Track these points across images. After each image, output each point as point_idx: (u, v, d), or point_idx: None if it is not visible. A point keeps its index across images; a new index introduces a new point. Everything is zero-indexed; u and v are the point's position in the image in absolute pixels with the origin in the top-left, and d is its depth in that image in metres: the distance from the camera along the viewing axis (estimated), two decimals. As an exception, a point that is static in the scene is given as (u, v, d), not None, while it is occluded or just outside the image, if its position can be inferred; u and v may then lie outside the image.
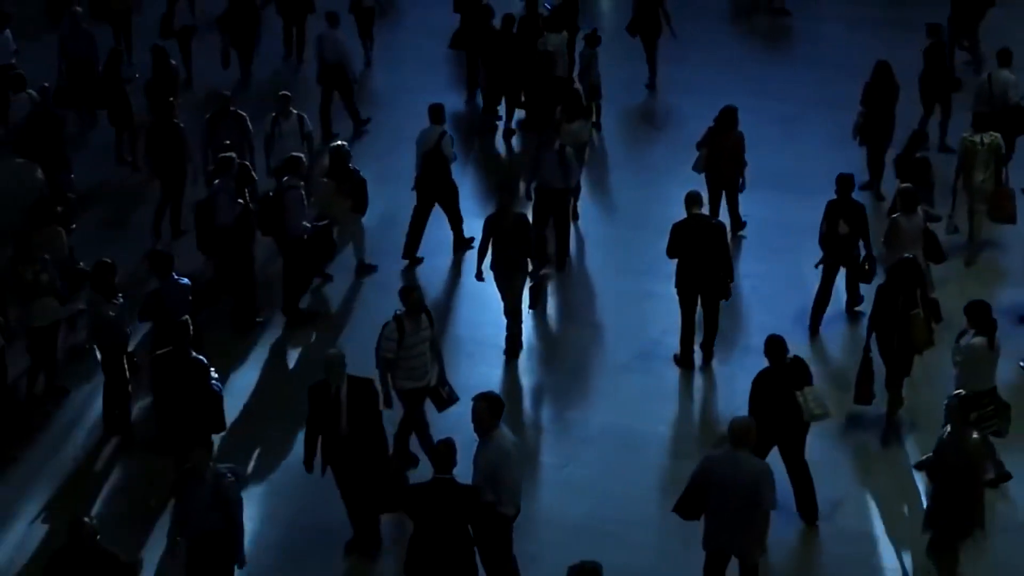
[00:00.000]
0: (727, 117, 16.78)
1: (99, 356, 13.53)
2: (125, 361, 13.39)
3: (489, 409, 10.52)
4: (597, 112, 21.04)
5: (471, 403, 10.60)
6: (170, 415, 12.18)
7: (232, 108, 17.48)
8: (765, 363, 11.87)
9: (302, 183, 15.44)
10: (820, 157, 19.32)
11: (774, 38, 24.92)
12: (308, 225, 15.31)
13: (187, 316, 12.80)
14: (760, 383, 11.85)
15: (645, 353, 14.80)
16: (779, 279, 16.35)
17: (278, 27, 23.68)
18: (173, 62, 20.14)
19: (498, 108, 21.11)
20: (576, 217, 17.56)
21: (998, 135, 16.39)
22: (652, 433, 13.42)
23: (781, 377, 11.77)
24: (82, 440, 13.59)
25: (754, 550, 10.51)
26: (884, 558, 11.73)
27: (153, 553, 11.87)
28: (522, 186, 17.65)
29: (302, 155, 15.94)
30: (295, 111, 17.45)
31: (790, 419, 11.74)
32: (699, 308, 14.39)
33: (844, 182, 14.84)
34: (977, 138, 16.25)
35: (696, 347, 14.58)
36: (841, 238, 14.66)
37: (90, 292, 13.45)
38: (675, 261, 14.36)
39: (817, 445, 12.64)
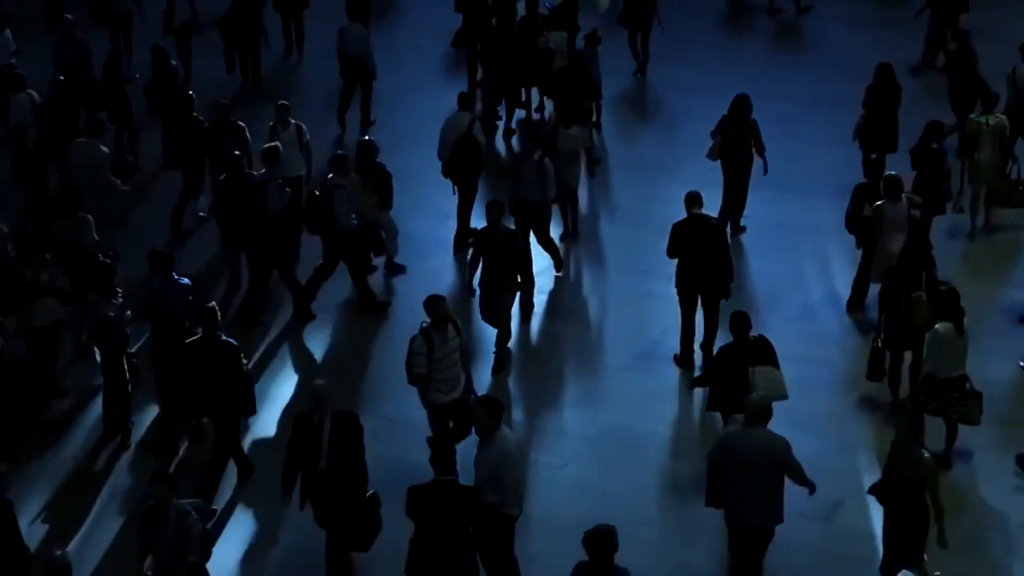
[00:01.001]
0: (741, 105, 16.88)
1: (98, 357, 13.51)
2: (125, 361, 13.39)
3: (488, 414, 10.54)
4: (597, 112, 21.03)
5: (472, 408, 10.67)
6: (201, 400, 12.32)
7: (231, 119, 17.09)
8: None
9: (346, 180, 15.53)
10: (820, 157, 19.32)
11: (774, 38, 24.90)
12: (356, 221, 15.44)
13: (190, 315, 12.93)
14: (721, 357, 12.24)
15: (645, 353, 14.80)
16: (779, 279, 16.35)
17: (276, 24, 23.69)
18: (173, 62, 20.14)
19: (498, 108, 21.12)
20: (593, 174, 17.69)
21: (1004, 117, 16.92)
22: (652, 433, 13.41)
23: (741, 353, 12.04)
24: (82, 440, 13.59)
25: (771, 521, 10.71)
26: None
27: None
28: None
29: (344, 154, 15.98)
30: (294, 120, 17.08)
31: (743, 394, 11.76)
32: (699, 308, 14.40)
33: (874, 166, 15.48)
34: (983, 119, 16.80)
35: (696, 347, 14.59)
36: (865, 220, 14.89)
37: (89, 293, 13.44)
38: (675, 261, 14.37)
39: (817, 445, 12.65)
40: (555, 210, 16.76)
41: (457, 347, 12.21)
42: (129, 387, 13.45)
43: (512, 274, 14.39)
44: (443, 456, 10.28)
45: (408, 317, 15.54)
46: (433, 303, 12.13)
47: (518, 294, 14.92)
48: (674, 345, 14.61)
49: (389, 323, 15.67)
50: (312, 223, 15.61)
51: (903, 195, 14.68)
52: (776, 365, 12.14)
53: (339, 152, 15.96)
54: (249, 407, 12.54)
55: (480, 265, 14.40)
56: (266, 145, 15.90)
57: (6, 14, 21.11)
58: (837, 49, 23.99)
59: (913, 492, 10.53)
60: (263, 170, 15.60)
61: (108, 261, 13.64)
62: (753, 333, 12.17)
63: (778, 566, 11.49)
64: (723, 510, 10.82)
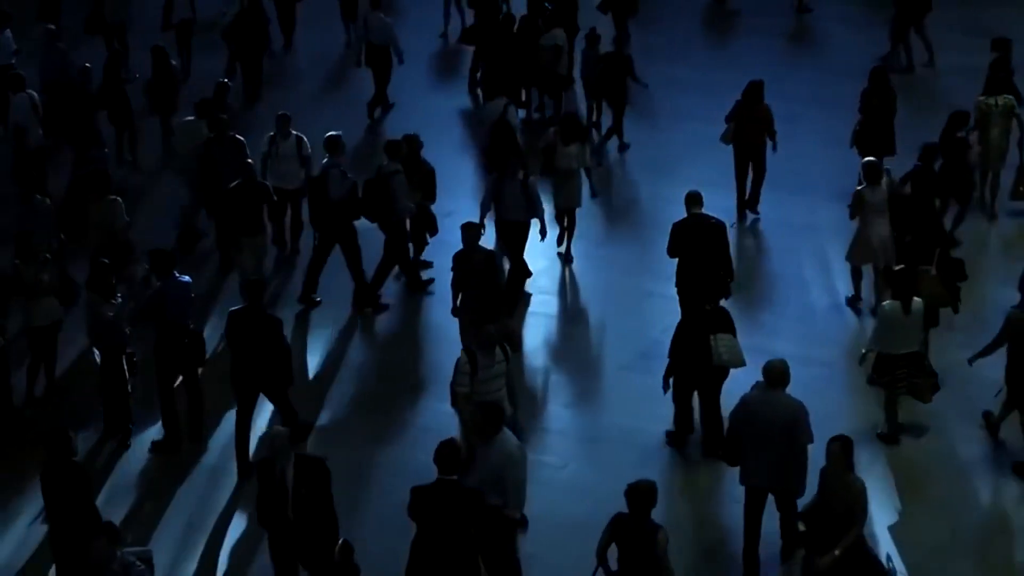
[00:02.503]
0: (754, 91, 17.36)
1: (97, 357, 13.50)
2: (124, 361, 13.37)
3: (487, 419, 10.55)
4: (598, 112, 21.05)
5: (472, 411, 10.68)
6: (242, 370, 12.60)
7: (231, 133, 16.67)
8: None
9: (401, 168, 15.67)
10: (820, 157, 19.32)
11: (774, 38, 24.89)
12: (412, 207, 15.55)
13: (191, 314, 13.19)
14: (681, 327, 12.65)
15: (645, 353, 14.78)
16: (779, 279, 16.34)
17: (272, 16, 23.79)
18: (174, 63, 20.13)
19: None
20: (595, 194, 17.27)
21: (1011, 97, 17.51)
22: (652, 433, 13.40)
23: (699, 322, 12.49)
24: (82, 440, 13.56)
25: (794, 486, 10.95)
26: (883, 558, 11.71)
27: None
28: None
29: (400, 139, 16.05)
30: (294, 132, 16.74)
31: (704, 362, 12.45)
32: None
33: (928, 152, 15.66)
34: (992, 100, 17.42)
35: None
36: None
37: (88, 292, 13.45)
38: (675, 260, 14.37)
39: (817, 445, 12.62)
40: (550, 228, 16.57)
41: (503, 372, 11.82)
42: (129, 387, 13.44)
43: (493, 296, 13.90)
44: (447, 456, 10.25)
45: (408, 315, 15.64)
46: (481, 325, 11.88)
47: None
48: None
49: (391, 322, 15.69)
50: (370, 210, 15.66)
51: (883, 179, 15.04)
52: (734, 334, 12.59)
53: (392, 139, 16.03)
54: (288, 379, 12.78)
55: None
56: (329, 134, 16.02)
57: (6, 14, 21.11)
58: (837, 49, 24.01)
59: (843, 518, 10.26)
60: (386, 162, 15.64)
61: (107, 262, 13.61)
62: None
63: (778, 566, 11.49)
64: (739, 469, 11.19)
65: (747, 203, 17.71)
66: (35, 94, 18.45)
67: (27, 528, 12.27)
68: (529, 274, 16.02)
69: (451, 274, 14.11)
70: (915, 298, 12.79)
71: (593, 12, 23.41)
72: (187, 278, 13.48)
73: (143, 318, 13.38)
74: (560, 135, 16.59)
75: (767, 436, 10.79)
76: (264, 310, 12.74)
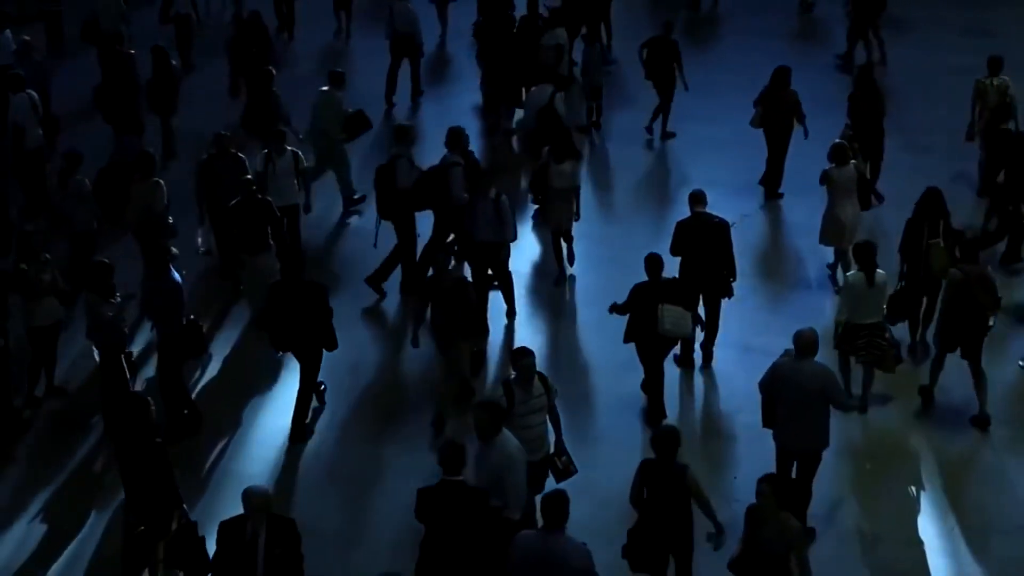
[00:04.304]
0: (781, 76, 18.03)
1: (97, 356, 13.48)
2: (124, 360, 13.36)
3: (490, 418, 10.50)
4: (598, 112, 21.06)
5: (472, 412, 10.66)
6: (287, 337, 13.17)
7: (231, 150, 16.21)
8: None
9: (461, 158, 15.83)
10: (820, 157, 19.20)
11: (775, 38, 24.89)
12: (465, 196, 15.68)
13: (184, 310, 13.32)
14: (634, 294, 13.32)
15: (645, 353, 14.78)
16: (779, 278, 16.34)
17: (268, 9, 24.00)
18: (174, 63, 20.12)
19: (500, 107, 21.11)
20: (577, 217, 16.91)
21: (1007, 78, 18.31)
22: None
23: (652, 291, 13.15)
24: (82, 440, 13.58)
25: (818, 446, 11.58)
26: (884, 558, 11.73)
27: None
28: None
29: (462, 127, 16.19)
30: (290, 148, 16.41)
31: (652, 329, 13.12)
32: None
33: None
34: (989, 80, 18.31)
35: (696, 347, 14.58)
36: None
37: (88, 292, 13.45)
38: (675, 260, 14.36)
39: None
40: (546, 245, 16.55)
41: (543, 406, 11.28)
42: (129, 386, 13.43)
43: (461, 324, 13.31)
44: (451, 456, 10.22)
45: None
46: (519, 356, 11.30)
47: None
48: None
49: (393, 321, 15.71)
50: (426, 199, 15.84)
51: (851, 161, 15.65)
52: (687, 307, 13.25)
53: (454, 127, 16.11)
54: (331, 342, 13.28)
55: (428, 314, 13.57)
56: (398, 123, 16.24)
57: (6, 14, 21.10)
58: (837, 49, 23.98)
59: (778, 560, 10.07)
60: (447, 152, 15.84)
61: (107, 262, 13.61)
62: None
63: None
64: (772, 432, 11.73)
65: (769, 188, 18.38)
66: (34, 94, 18.43)
67: (27, 528, 12.27)
68: (494, 285, 15.57)
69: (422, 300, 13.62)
70: (879, 271, 13.27)
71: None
72: (181, 272, 13.67)
73: (143, 313, 13.67)
74: (553, 154, 16.17)
75: (802, 402, 11.37)
76: (304, 278, 13.23)
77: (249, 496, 9.88)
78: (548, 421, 11.45)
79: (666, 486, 10.41)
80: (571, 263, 16.71)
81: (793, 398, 11.41)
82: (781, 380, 11.49)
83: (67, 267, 15.16)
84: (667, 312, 13.08)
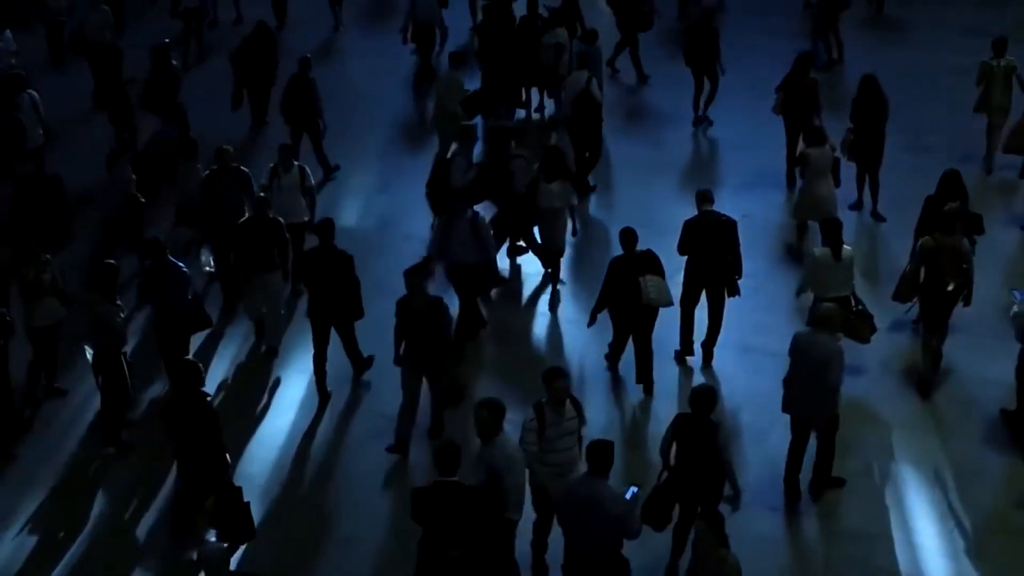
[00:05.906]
0: (803, 63, 18.36)
1: (89, 356, 13.28)
2: (123, 360, 13.35)
3: (491, 416, 10.49)
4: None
5: (473, 410, 10.64)
6: (318, 305, 13.69)
7: (234, 164, 15.79)
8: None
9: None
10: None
11: (776, 38, 24.87)
12: (522, 189, 16.04)
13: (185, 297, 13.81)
14: (612, 268, 13.58)
15: (645, 353, 14.78)
16: (779, 278, 16.34)
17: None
18: (174, 63, 20.12)
19: (500, 107, 21.11)
20: (575, 233, 16.44)
21: (1013, 59, 18.57)
22: (652, 433, 13.39)
23: (630, 264, 13.42)
24: (82, 440, 13.58)
25: (819, 417, 12.04)
26: (884, 558, 11.72)
27: (152, 552, 11.88)
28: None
29: (519, 127, 16.73)
30: (297, 163, 15.96)
31: (635, 301, 13.41)
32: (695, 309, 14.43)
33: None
34: (995, 62, 18.54)
35: (697, 346, 14.59)
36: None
37: (88, 292, 13.45)
38: (673, 260, 14.36)
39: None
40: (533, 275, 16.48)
41: (575, 429, 11.01)
42: (129, 386, 13.43)
43: (435, 347, 12.87)
44: (447, 457, 10.21)
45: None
46: (551, 379, 10.95)
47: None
48: (674, 343, 14.60)
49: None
50: (489, 189, 16.26)
51: (827, 143, 16.32)
52: (663, 276, 13.52)
53: (511, 126, 16.62)
54: (358, 311, 13.85)
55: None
56: (464, 123, 16.92)
57: (10, 13, 21.15)
58: (837, 49, 23.97)
59: None
60: (512, 144, 16.41)
61: (114, 264, 13.61)
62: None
63: (772, 566, 11.51)
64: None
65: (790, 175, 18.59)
66: (35, 93, 18.44)
67: (27, 528, 12.27)
68: (483, 324, 15.14)
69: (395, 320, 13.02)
70: (845, 246, 13.53)
71: (596, 13, 23.42)
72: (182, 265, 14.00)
73: (141, 298, 14.15)
74: (543, 171, 15.73)
75: (809, 372, 11.84)
76: (335, 247, 13.65)
77: (205, 555, 10.48)
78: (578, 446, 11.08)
79: (698, 440, 10.83)
80: (555, 302, 16.08)
81: (804, 367, 11.90)
82: (797, 348, 12.03)
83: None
84: (650, 282, 13.41)
